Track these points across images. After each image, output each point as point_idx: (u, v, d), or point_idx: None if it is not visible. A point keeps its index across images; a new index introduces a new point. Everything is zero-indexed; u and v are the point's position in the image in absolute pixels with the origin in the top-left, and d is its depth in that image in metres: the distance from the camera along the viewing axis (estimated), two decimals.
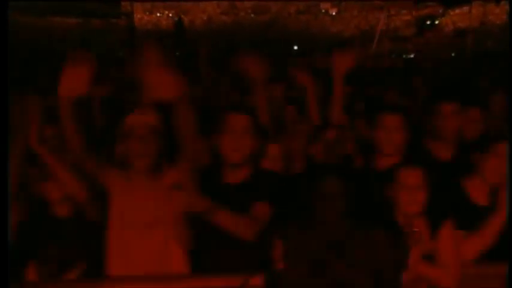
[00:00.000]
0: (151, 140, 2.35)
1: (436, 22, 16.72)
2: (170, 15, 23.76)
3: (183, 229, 2.38)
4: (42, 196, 2.47)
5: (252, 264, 2.32)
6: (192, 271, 2.44)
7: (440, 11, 18.55)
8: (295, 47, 22.43)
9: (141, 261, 2.33)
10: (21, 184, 2.43)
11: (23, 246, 2.38)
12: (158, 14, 23.65)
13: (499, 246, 2.50)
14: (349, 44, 20.07)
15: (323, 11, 23.32)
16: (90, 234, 2.39)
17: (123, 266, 2.34)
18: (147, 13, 23.52)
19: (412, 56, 17.21)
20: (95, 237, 2.35)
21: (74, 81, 2.26)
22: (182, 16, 19.38)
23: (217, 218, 2.29)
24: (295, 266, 2.24)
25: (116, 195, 2.40)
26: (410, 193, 2.40)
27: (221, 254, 2.42)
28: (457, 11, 17.69)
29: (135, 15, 21.74)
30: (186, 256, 2.42)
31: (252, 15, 23.76)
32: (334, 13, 23.13)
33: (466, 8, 17.51)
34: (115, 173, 2.40)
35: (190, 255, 2.43)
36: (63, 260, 2.42)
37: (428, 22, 15.99)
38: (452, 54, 17.21)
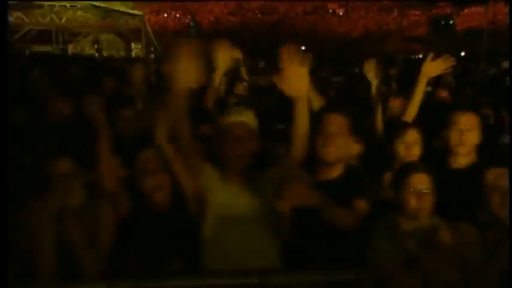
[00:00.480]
0: (247, 140, 2.38)
1: (451, 22, 16.80)
2: (177, 15, 23.86)
3: (277, 224, 2.43)
4: (141, 192, 2.50)
5: (348, 258, 2.38)
6: (286, 266, 2.49)
7: (449, 10, 18.66)
8: (303, 48, 22.55)
9: (236, 255, 2.38)
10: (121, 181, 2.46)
11: (124, 243, 2.41)
12: (165, 15, 23.72)
13: None
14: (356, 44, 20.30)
15: (330, 11, 23.48)
16: (187, 229, 2.43)
17: (219, 260, 2.39)
18: (154, 14, 23.60)
19: (420, 56, 17.29)
20: (192, 232, 2.40)
21: (191, 71, 2.24)
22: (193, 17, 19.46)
23: (326, 210, 2.35)
24: (388, 263, 2.29)
25: (213, 192, 2.44)
26: (503, 195, 2.42)
27: (315, 248, 2.47)
28: (466, 10, 17.77)
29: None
30: (279, 251, 2.47)
31: (259, 15, 23.86)
32: (341, 13, 23.28)
33: (475, 9, 17.60)
34: (211, 171, 2.44)
35: (284, 249, 2.48)
36: (162, 255, 2.46)
37: (442, 22, 16.06)
38: (462, 54, 17.32)
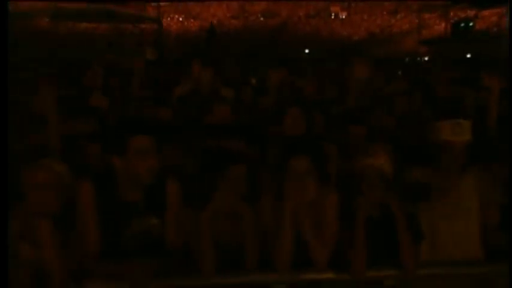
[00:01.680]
0: (462, 149, 2.55)
1: (470, 24, 17.03)
2: (180, 19, 23.80)
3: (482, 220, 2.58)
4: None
5: None
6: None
7: (467, 13, 18.76)
8: (307, 51, 22.64)
9: (447, 247, 2.50)
10: None
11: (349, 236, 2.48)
12: (168, 19, 23.63)
13: None
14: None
15: (333, 14, 23.59)
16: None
17: (430, 251, 2.50)
18: None
19: (426, 58, 17.51)
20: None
21: None
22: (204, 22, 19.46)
23: None
24: None
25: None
26: None
27: None
28: (484, 12, 17.93)
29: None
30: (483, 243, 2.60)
31: (262, 18, 23.90)
32: (343, 16, 23.43)
33: (493, 11, 17.81)
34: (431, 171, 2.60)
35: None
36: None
37: (462, 24, 16.28)
38: (468, 56, 17.56)
